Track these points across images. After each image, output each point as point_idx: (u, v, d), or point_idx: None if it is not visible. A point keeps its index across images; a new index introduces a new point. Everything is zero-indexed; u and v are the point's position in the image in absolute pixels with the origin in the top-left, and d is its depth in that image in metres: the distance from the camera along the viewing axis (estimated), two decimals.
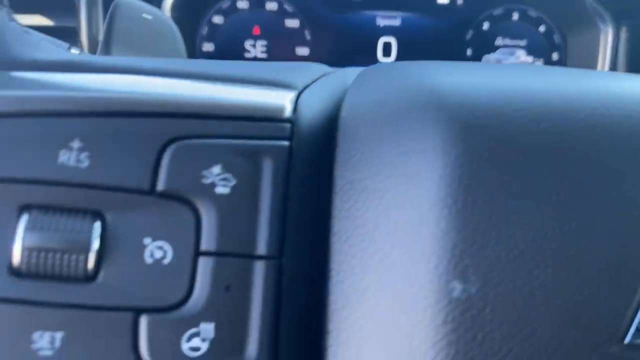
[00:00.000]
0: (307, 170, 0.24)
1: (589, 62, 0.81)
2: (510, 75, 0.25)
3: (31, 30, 0.25)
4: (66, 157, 0.21)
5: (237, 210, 0.22)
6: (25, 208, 0.20)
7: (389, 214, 0.22)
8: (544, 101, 0.22)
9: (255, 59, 0.83)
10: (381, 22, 0.84)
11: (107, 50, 0.34)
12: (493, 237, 0.21)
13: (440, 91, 0.23)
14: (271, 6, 0.83)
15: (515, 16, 0.85)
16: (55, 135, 0.21)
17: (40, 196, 0.20)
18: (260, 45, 0.85)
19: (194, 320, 0.21)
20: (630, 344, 0.20)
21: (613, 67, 0.78)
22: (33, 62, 0.23)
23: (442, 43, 0.84)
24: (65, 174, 0.21)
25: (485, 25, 0.85)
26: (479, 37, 0.85)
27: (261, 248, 0.23)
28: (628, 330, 0.20)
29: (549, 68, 0.28)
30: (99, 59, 0.25)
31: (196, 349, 0.21)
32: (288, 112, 0.24)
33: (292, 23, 0.84)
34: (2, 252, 0.20)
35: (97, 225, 0.21)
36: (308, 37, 0.85)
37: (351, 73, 0.30)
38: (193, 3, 0.81)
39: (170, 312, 0.21)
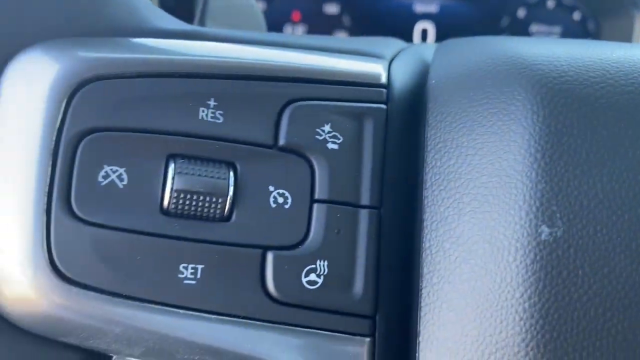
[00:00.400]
0: (401, 130, 0.27)
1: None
2: (581, 47, 0.27)
3: (149, 1, 0.28)
4: (205, 114, 0.24)
5: (344, 165, 0.25)
6: (171, 157, 0.23)
7: (482, 167, 0.25)
8: (615, 66, 0.25)
9: None
10: (418, 8, 0.87)
11: (202, 23, 0.37)
12: (577, 186, 0.23)
13: (526, 59, 0.26)
14: None
15: (550, 3, 0.86)
16: (195, 94, 0.24)
17: (184, 147, 0.23)
18: (300, 30, 0.87)
19: (312, 257, 0.24)
20: None
21: None
22: (166, 31, 0.26)
23: (478, 29, 0.86)
24: (205, 128, 0.24)
25: (521, 12, 0.87)
26: (514, 24, 0.87)
27: (364, 198, 0.26)
28: None
29: (610, 42, 0.31)
30: (214, 30, 0.28)
31: (313, 283, 0.24)
32: (384, 78, 0.27)
33: (331, 9, 0.87)
34: (154, 194, 0.23)
35: (232, 174, 0.24)
36: (346, 22, 0.88)
37: (426, 47, 0.33)
38: None
39: (291, 250, 0.24)
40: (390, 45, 0.32)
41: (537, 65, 0.25)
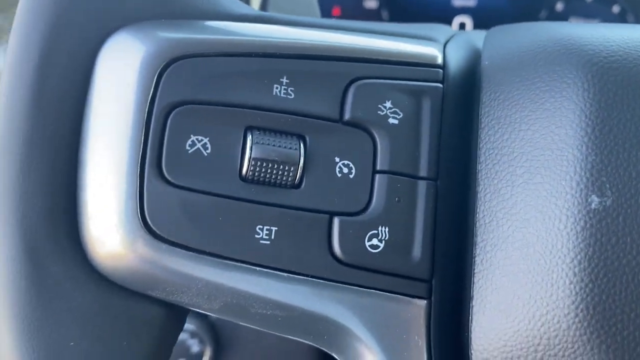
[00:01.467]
0: (456, 108, 0.29)
1: None
2: (629, 29, 0.29)
3: None
4: (278, 90, 0.26)
5: (404, 139, 0.27)
6: (249, 128, 0.26)
7: (534, 142, 0.26)
8: None
9: None
10: (457, 2, 0.88)
11: (264, 9, 0.39)
12: (625, 159, 0.25)
13: (576, 40, 0.27)
14: None
15: None
16: (270, 72, 0.26)
17: (261, 120, 0.26)
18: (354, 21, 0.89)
19: (374, 223, 0.26)
20: None
21: None
22: (240, 15, 0.28)
23: (516, 23, 0.87)
24: (279, 103, 0.26)
25: (559, 6, 0.87)
26: (553, 17, 0.87)
27: (423, 170, 0.28)
28: None
29: None
30: (282, 15, 0.30)
31: (375, 247, 0.26)
32: (440, 59, 0.29)
33: (371, 4, 0.88)
34: (234, 162, 0.25)
35: (302, 145, 0.26)
36: (385, 17, 0.89)
37: (475, 33, 0.35)
38: None
39: (356, 216, 0.26)
40: (443, 30, 0.33)
41: (587, 46, 0.27)
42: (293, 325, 0.26)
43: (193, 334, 0.66)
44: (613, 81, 0.25)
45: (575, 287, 0.24)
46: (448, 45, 0.31)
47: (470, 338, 0.26)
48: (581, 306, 0.24)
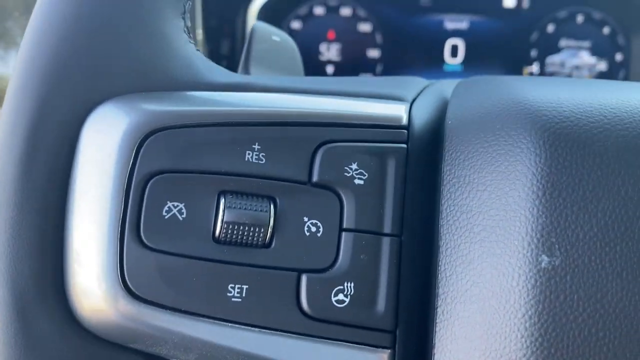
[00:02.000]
0: (420, 167, 0.31)
1: None
2: (584, 90, 0.30)
3: (203, 57, 0.32)
4: (250, 156, 0.28)
5: (369, 198, 0.29)
6: (222, 193, 0.28)
7: (490, 202, 0.28)
8: (613, 112, 0.28)
9: (329, 62, 0.90)
10: (449, 25, 0.89)
11: (246, 68, 0.42)
12: (573, 221, 0.26)
13: (532, 104, 0.29)
14: (345, 12, 0.89)
15: (580, 18, 0.88)
16: (242, 140, 0.28)
17: (233, 184, 0.28)
18: (335, 48, 0.91)
19: (340, 279, 0.28)
20: None
21: None
22: (218, 84, 0.30)
23: (507, 45, 0.89)
24: (250, 168, 0.28)
25: (550, 28, 0.89)
26: (544, 39, 0.88)
27: (387, 227, 0.29)
28: None
29: (614, 82, 0.34)
30: (257, 80, 0.32)
31: (341, 302, 0.28)
32: (404, 120, 0.31)
33: (365, 27, 0.90)
34: (208, 225, 0.27)
35: (272, 207, 0.28)
36: (379, 40, 0.91)
37: (447, 85, 0.36)
38: (274, 10, 0.88)
39: (323, 272, 0.28)
40: (413, 85, 0.35)
41: (542, 111, 0.28)
42: None
43: None
44: (563, 147, 0.27)
45: (526, 340, 0.26)
46: (415, 103, 0.33)
47: None
48: (531, 359, 0.26)
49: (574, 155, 0.27)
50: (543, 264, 0.26)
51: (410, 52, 0.89)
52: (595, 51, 0.88)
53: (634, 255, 0.26)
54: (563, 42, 0.89)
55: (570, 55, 0.83)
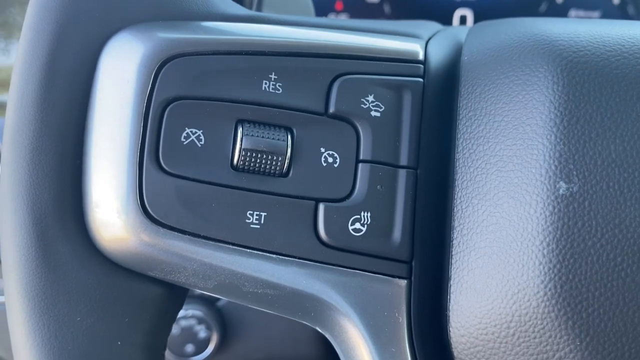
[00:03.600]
0: (436, 101, 0.31)
1: None
2: (600, 25, 0.30)
3: None
4: (267, 85, 0.28)
5: (385, 130, 0.29)
6: (240, 121, 0.28)
7: (507, 132, 0.28)
8: (631, 41, 0.28)
9: None
10: None
11: (259, 9, 0.41)
12: (591, 147, 0.26)
13: (548, 36, 0.29)
14: None
15: None
16: (259, 69, 0.28)
17: (251, 113, 0.28)
18: (343, 18, 0.91)
19: (357, 209, 0.28)
20: None
21: None
22: (233, 15, 0.30)
23: (516, 15, 0.88)
24: (267, 98, 0.28)
25: None
26: (553, 9, 0.88)
27: (403, 160, 0.29)
28: None
29: (628, 21, 0.33)
30: (273, 15, 0.32)
31: (358, 231, 0.28)
32: (421, 55, 0.31)
33: None
34: (226, 152, 0.27)
35: (289, 137, 0.28)
36: (387, 10, 0.90)
37: (461, 28, 0.36)
38: None
39: (340, 202, 0.28)
40: (428, 27, 0.35)
41: (559, 41, 0.28)
42: (282, 303, 0.28)
43: (200, 321, 0.68)
44: (581, 75, 0.27)
45: (544, 267, 0.26)
46: (431, 42, 0.33)
47: (449, 316, 0.28)
48: (549, 285, 0.26)
49: (591, 82, 0.27)
50: (561, 191, 0.26)
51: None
52: None
53: None
54: (572, 13, 0.89)
55: None
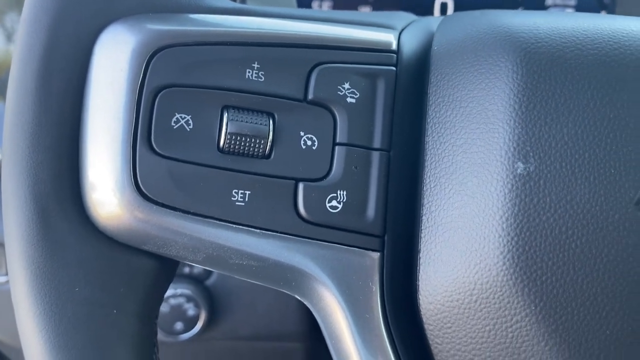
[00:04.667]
0: (408, 88, 0.33)
1: None
2: (560, 18, 0.33)
3: None
4: (250, 74, 0.30)
5: (360, 115, 0.32)
6: (225, 107, 0.30)
7: (472, 117, 0.30)
8: (584, 34, 0.30)
9: None
10: None
11: (244, 1, 0.43)
12: (547, 131, 0.29)
13: (510, 28, 0.31)
14: None
15: None
16: (242, 58, 0.30)
17: (235, 100, 0.30)
18: (326, 5, 0.93)
19: (333, 188, 0.31)
20: None
21: None
22: (218, 8, 0.32)
23: (495, 3, 0.90)
24: (251, 85, 0.30)
25: None
26: (532, 1, 0.90)
27: (377, 142, 0.32)
28: None
29: (589, 14, 0.36)
30: (256, 7, 0.34)
31: (334, 208, 0.31)
32: (394, 45, 0.33)
33: None
34: (213, 136, 0.30)
35: (271, 121, 0.30)
36: (370, 0, 0.92)
37: (433, 19, 0.39)
38: None
39: (318, 181, 0.31)
40: (402, 17, 0.37)
41: (519, 34, 0.31)
42: (266, 274, 0.31)
43: (189, 299, 0.70)
44: (538, 65, 0.30)
45: (502, 240, 0.29)
46: (404, 32, 0.35)
47: (418, 285, 0.31)
48: (508, 256, 0.29)
49: (547, 72, 0.30)
50: (519, 171, 0.29)
51: (400, 9, 0.90)
52: (580, 9, 0.90)
53: (601, 160, 0.29)
54: (549, 1, 0.91)
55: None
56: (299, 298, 0.32)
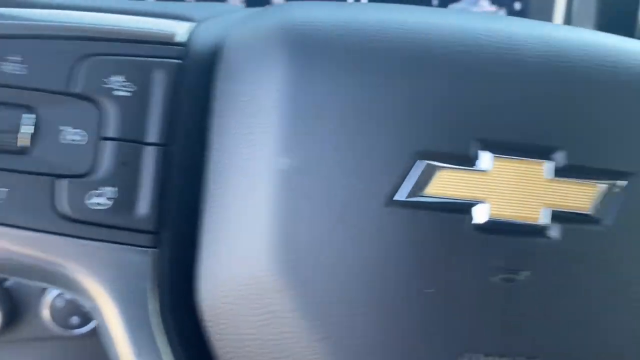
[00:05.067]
0: (196, 82, 0.32)
1: (550, 14, 0.86)
2: (345, 10, 0.32)
3: None
4: (8, 67, 0.29)
5: (132, 109, 0.31)
6: None
7: (248, 110, 0.30)
8: (356, 26, 0.30)
9: None
10: None
11: None
12: (310, 129, 0.29)
13: (287, 22, 0.31)
14: None
15: None
16: (1, 51, 0.29)
17: None
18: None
19: (99, 184, 0.30)
20: (397, 202, 0.28)
21: (568, 18, 0.83)
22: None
23: None
24: (7, 79, 0.29)
25: None
26: None
27: (151, 137, 0.31)
28: (396, 191, 0.28)
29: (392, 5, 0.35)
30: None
31: (103, 205, 0.30)
32: (179, 37, 0.32)
33: None
34: None
35: (33, 115, 0.29)
36: None
37: (244, 12, 0.38)
38: None
39: (81, 178, 0.30)
40: (213, 8, 0.37)
41: (294, 28, 0.30)
42: (32, 273, 0.30)
43: None
44: (303, 57, 0.29)
45: (267, 235, 0.28)
46: (203, 25, 0.34)
47: (198, 281, 0.31)
48: (270, 248, 0.28)
49: (311, 65, 0.29)
50: (282, 166, 0.29)
51: None
52: (495, 0, 0.90)
53: (356, 155, 0.28)
54: None
55: (470, 4, 0.84)
56: (72, 296, 0.32)
